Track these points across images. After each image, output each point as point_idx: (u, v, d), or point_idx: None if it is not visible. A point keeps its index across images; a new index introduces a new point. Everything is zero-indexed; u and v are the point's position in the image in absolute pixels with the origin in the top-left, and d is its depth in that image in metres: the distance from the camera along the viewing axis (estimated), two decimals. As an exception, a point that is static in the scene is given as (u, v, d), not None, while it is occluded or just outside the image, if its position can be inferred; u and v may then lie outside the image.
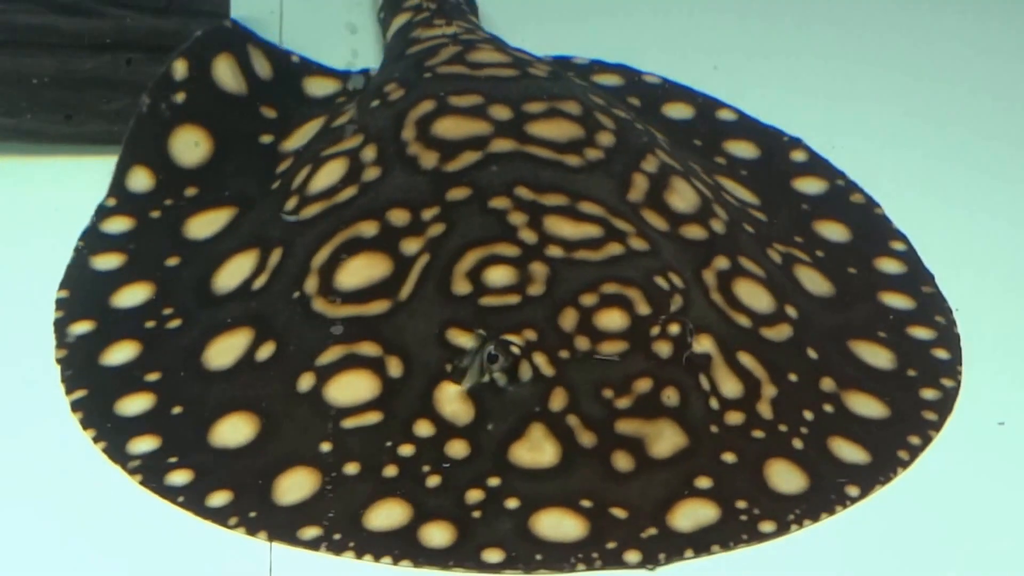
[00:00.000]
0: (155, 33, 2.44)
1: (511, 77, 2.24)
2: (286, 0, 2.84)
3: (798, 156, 2.45)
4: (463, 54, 2.31)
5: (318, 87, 2.44)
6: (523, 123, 2.12)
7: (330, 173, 2.12)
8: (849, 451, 1.92)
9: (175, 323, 2.06)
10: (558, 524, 1.76)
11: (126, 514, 1.86)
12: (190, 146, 2.27)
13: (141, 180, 2.26)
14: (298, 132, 2.30)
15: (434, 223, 1.98)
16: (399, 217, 2.01)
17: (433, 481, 1.80)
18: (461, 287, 1.91)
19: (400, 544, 1.76)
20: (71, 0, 2.44)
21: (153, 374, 1.99)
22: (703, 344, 1.88)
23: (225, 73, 2.32)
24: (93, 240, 2.20)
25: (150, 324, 2.07)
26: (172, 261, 2.16)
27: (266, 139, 2.30)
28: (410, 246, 1.97)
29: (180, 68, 2.29)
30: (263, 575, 1.79)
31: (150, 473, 1.88)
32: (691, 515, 1.78)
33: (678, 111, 2.54)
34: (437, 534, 1.76)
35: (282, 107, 2.35)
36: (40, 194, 2.39)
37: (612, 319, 1.86)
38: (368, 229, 2.01)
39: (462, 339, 1.87)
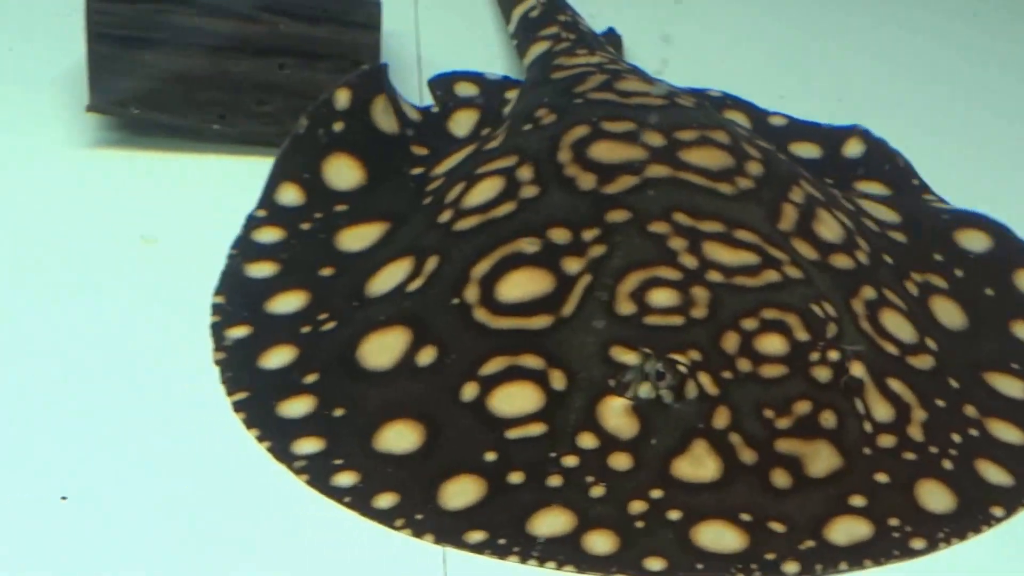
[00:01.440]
0: (308, 40, 2.54)
1: (660, 106, 2.33)
2: (422, 13, 2.89)
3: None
4: (611, 82, 2.41)
5: (460, 125, 2.52)
6: (676, 150, 2.21)
7: (486, 189, 2.21)
8: (994, 473, 2.02)
9: (330, 325, 2.14)
10: (719, 536, 1.86)
11: (293, 511, 1.94)
12: (342, 173, 2.34)
13: (291, 196, 2.34)
14: (448, 160, 2.38)
15: (595, 244, 2.07)
16: (560, 235, 2.09)
17: (597, 491, 1.89)
18: (625, 307, 1.99)
19: (564, 550, 1.85)
20: (228, 4, 2.52)
21: (311, 375, 2.08)
22: (856, 370, 1.97)
23: (380, 113, 2.39)
24: (246, 248, 2.29)
25: (305, 329, 2.15)
26: (326, 271, 2.24)
27: (416, 171, 2.38)
28: (572, 265, 2.06)
29: (342, 98, 2.36)
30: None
31: (316, 473, 1.96)
32: (846, 530, 1.88)
33: (805, 151, 2.62)
34: (600, 542, 1.86)
35: (432, 145, 2.43)
36: (193, 191, 2.48)
37: (772, 343, 1.96)
38: (529, 245, 2.08)
39: (627, 356, 1.95)
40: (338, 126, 2.36)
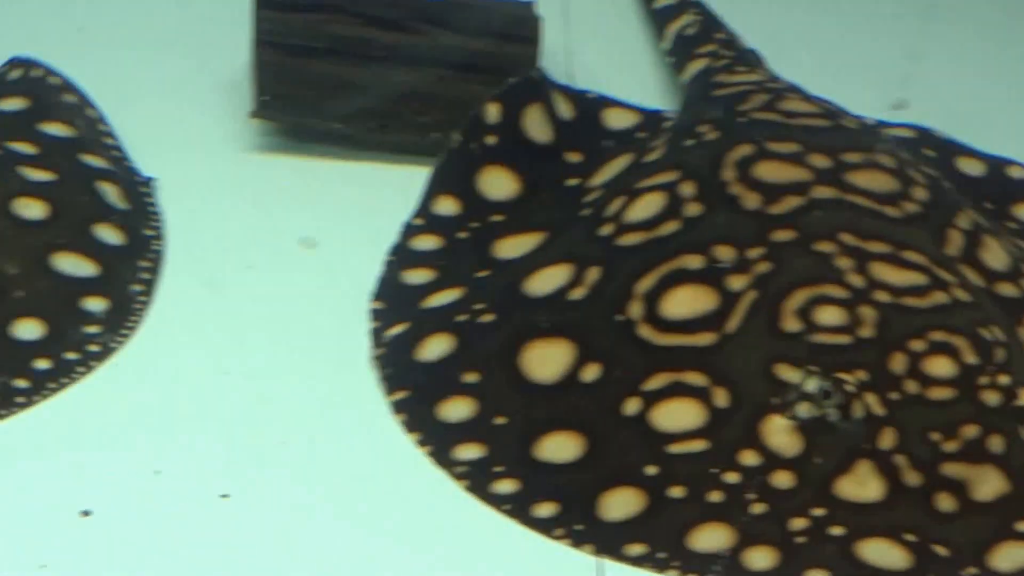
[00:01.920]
0: (467, 53, 2.58)
1: (825, 127, 2.34)
2: (573, 29, 2.91)
3: None
4: (773, 102, 2.42)
5: (616, 119, 2.54)
6: (842, 172, 2.21)
7: (648, 205, 2.23)
8: None
9: (487, 318, 2.17)
10: (883, 552, 1.86)
11: (452, 517, 1.98)
12: (498, 184, 2.38)
13: (448, 206, 2.37)
14: (604, 169, 2.40)
15: (760, 261, 2.08)
16: (724, 253, 2.10)
17: (758, 508, 1.90)
18: (791, 324, 2.00)
19: (724, 565, 1.86)
20: (390, 16, 2.58)
21: (471, 375, 2.11)
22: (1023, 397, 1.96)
23: (532, 123, 2.42)
24: (403, 255, 2.32)
25: (461, 317, 2.18)
26: (482, 273, 2.26)
27: (572, 182, 2.40)
28: (736, 282, 2.07)
29: (492, 112, 2.40)
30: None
31: (477, 480, 2.00)
32: (1010, 557, 1.87)
33: (970, 167, 2.60)
34: (760, 557, 1.87)
35: (585, 149, 2.46)
36: (350, 198, 2.53)
37: (940, 366, 1.96)
38: (693, 262, 2.11)
39: (791, 374, 1.96)
40: (490, 139, 2.39)
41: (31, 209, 2.23)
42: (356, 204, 2.49)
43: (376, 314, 2.24)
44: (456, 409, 2.08)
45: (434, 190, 2.38)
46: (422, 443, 2.05)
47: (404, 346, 2.17)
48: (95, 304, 2.18)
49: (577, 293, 2.15)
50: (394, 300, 2.26)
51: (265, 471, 2.01)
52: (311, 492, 1.98)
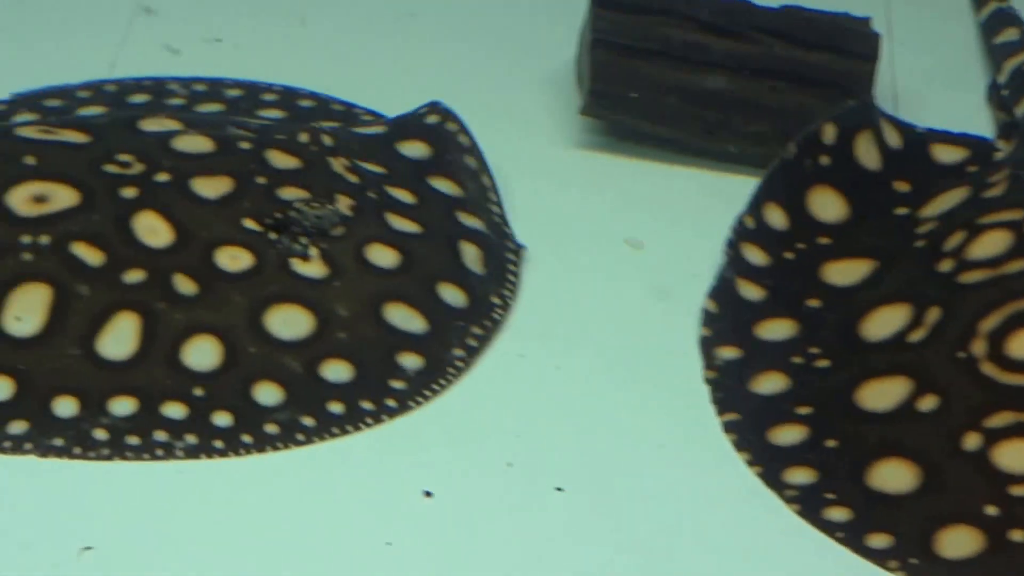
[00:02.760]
0: (802, 65, 2.59)
1: None
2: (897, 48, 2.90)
3: None
4: None
5: (945, 154, 2.53)
6: None
7: (992, 242, 2.24)
8: None
9: (823, 363, 2.20)
10: None
11: (781, 538, 2.02)
12: (826, 205, 2.40)
13: (776, 218, 2.39)
14: (937, 200, 2.41)
15: None
16: None
17: None
18: None
19: None
20: (724, 22, 2.61)
21: (804, 408, 2.15)
22: None
23: (864, 148, 2.44)
24: (737, 261, 2.34)
25: (797, 359, 2.21)
26: (812, 303, 2.30)
27: (901, 211, 2.41)
28: None
29: (829, 132, 2.42)
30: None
31: (808, 505, 2.04)
32: None
33: None
34: None
35: (913, 179, 2.46)
36: (675, 201, 2.58)
37: None
38: None
39: None
40: (824, 159, 2.41)
41: (383, 257, 2.24)
42: (680, 208, 2.55)
43: (708, 318, 2.29)
44: (788, 434, 2.12)
45: (764, 196, 2.39)
46: (752, 463, 2.10)
47: (737, 375, 2.21)
48: (410, 361, 2.17)
49: (917, 335, 2.17)
50: (726, 311, 2.29)
51: (597, 469, 2.08)
52: (639, 493, 2.05)
